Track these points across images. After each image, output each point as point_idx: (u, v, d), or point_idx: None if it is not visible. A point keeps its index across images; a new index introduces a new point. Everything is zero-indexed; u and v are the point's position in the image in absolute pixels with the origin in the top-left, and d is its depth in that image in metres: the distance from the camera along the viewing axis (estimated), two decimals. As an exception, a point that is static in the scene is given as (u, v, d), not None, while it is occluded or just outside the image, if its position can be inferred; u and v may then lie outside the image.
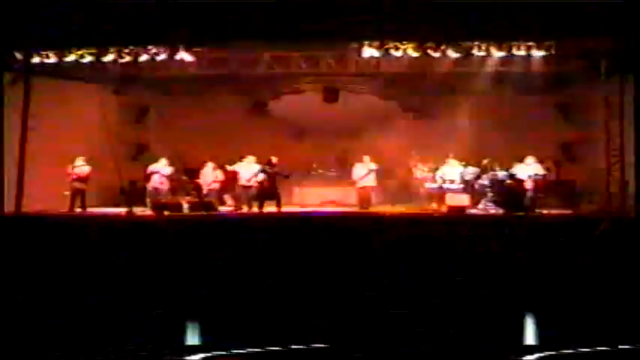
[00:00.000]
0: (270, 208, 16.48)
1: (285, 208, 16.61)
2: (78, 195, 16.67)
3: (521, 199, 16.09)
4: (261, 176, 16.58)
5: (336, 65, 17.46)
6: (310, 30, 14.70)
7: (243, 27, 14.74)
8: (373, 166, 17.12)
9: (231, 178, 17.30)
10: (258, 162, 16.77)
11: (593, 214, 15.09)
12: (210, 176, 17.54)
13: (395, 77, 17.87)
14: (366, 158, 17.20)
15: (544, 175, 16.48)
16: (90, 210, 16.77)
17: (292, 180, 17.83)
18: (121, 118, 19.30)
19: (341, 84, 18.11)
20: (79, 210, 16.51)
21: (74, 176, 16.54)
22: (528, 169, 16.30)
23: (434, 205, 16.82)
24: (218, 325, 7.84)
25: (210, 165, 17.56)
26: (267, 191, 16.57)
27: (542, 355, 5.32)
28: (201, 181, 17.53)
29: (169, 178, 17.13)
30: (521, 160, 16.48)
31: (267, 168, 16.55)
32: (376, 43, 15.85)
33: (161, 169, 17.04)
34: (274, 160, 16.67)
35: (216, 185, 17.59)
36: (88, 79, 17.57)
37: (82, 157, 16.67)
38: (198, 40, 15.89)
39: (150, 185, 17.06)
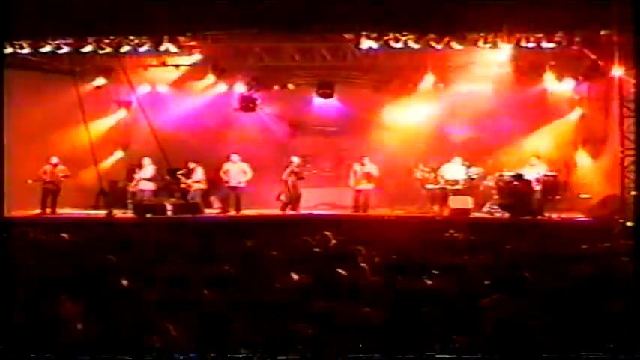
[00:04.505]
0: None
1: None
2: (50, 196, 15.60)
3: (529, 201, 15.13)
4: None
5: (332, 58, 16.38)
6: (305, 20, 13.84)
7: (233, 16, 13.72)
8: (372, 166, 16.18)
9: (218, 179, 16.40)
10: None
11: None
12: (196, 176, 16.36)
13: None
14: (366, 160, 16.22)
15: (553, 176, 15.54)
16: (67, 212, 15.69)
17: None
18: (100, 113, 17.88)
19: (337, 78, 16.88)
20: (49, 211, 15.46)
21: (47, 176, 15.50)
22: (534, 170, 15.35)
23: (435, 209, 15.82)
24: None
25: (195, 165, 16.41)
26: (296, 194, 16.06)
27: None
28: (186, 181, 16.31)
29: (153, 178, 16.28)
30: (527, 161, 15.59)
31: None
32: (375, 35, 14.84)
33: (144, 169, 16.30)
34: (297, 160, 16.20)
35: (202, 186, 16.42)
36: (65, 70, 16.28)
37: (55, 156, 15.72)
38: (183, 30, 15.02)
39: (132, 186, 16.36)
